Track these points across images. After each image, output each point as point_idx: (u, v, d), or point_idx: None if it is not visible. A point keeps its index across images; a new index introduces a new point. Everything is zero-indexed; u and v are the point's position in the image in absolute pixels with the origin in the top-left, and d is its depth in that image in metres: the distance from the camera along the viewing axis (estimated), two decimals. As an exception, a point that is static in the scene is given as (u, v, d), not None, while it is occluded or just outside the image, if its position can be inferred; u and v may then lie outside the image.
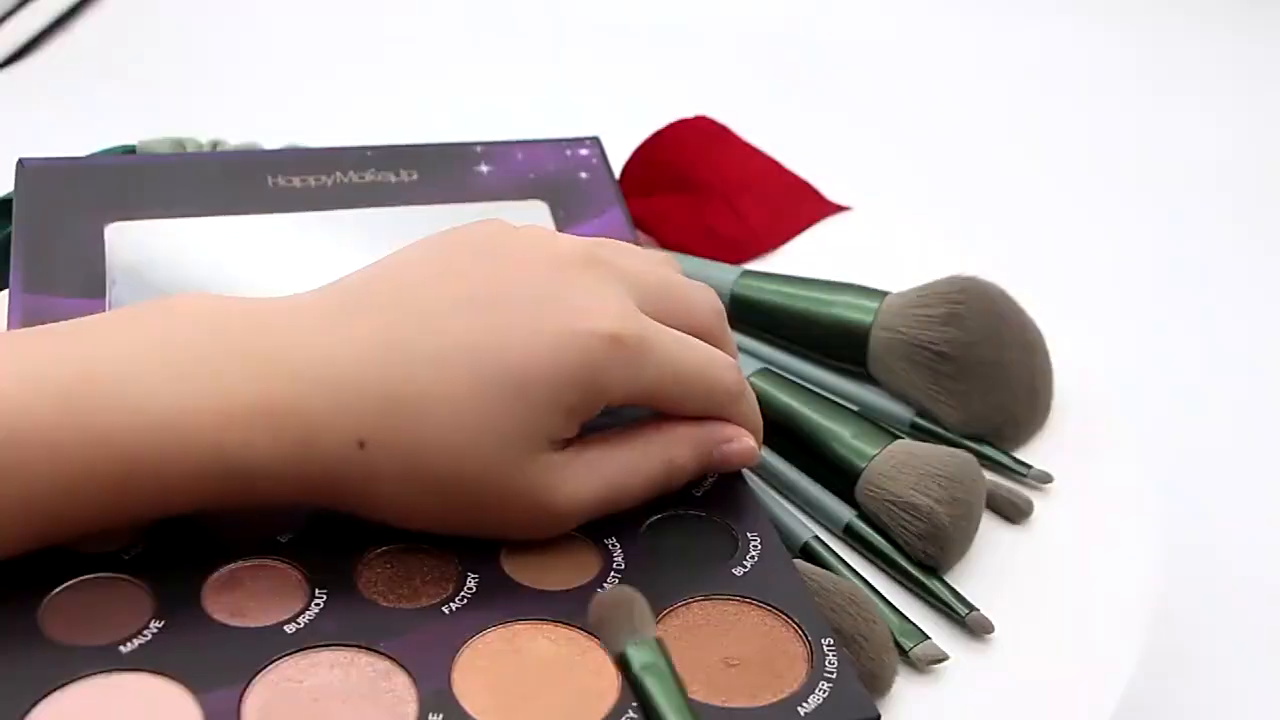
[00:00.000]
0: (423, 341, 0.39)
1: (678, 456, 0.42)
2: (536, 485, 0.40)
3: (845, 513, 0.48)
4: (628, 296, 0.41)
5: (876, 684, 0.42)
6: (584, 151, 0.56)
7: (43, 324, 0.40)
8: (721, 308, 0.45)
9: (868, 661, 0.41)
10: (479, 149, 0.55)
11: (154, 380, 0.37)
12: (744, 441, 0.43)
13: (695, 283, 0.45)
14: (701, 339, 0.43)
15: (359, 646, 0.37)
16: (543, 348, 0.39)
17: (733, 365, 0.44)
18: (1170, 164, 0.79)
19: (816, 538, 0.47)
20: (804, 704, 0.37)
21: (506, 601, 0.39)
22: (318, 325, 0.39)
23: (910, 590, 0.46)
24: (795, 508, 0.49)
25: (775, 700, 0.37)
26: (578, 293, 0.40)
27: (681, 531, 0.43)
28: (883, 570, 0.47)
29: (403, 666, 0.37)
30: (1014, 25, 0.93)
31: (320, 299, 0.40)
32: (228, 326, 0.38)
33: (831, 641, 0.39)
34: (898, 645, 0.43)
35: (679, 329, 0.42)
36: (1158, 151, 0.80)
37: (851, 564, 0.46)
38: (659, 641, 0.34)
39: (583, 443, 0.41)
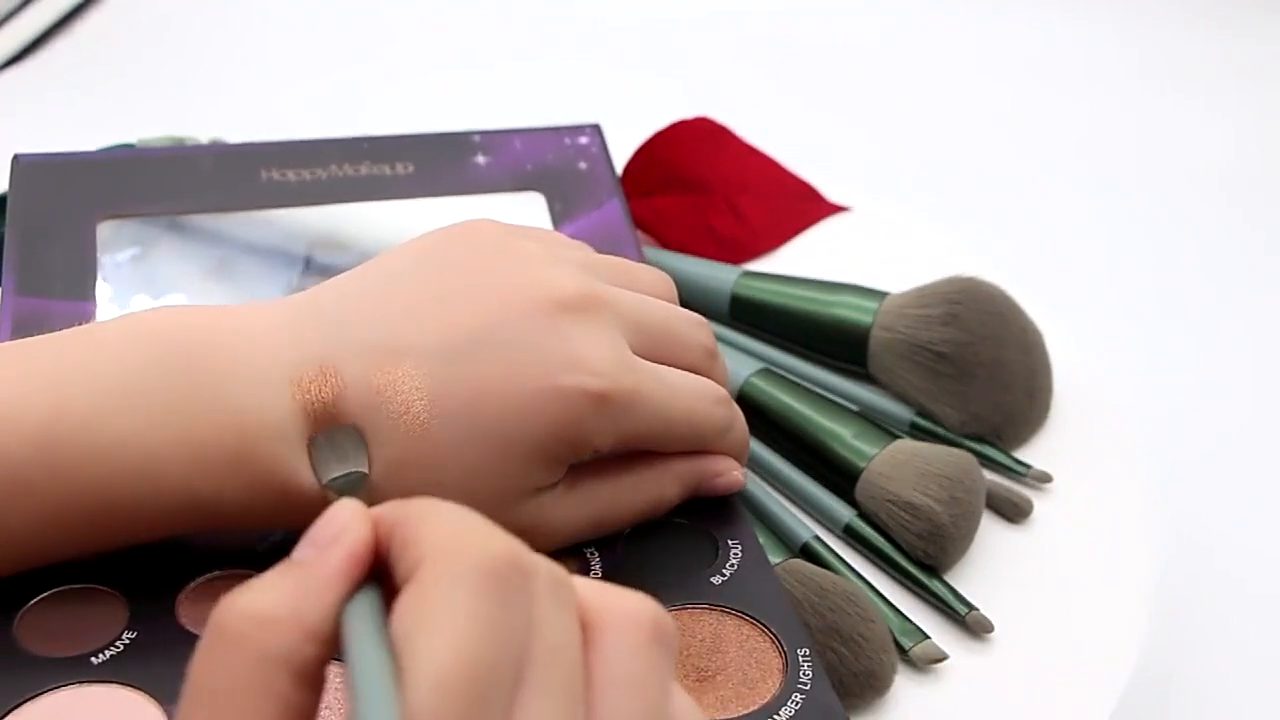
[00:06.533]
0: None
1: (666, 492, 0.42)
2: (522, 527, 0.39)
3: (845, 512, 0.48)
4: (621, 339, 0.40)
5: (876, 683, 0.42)
6: (584, 140, 0.55)
7: (35, 327, 0.40)
8: (713, 345, 0.44)
9: (867, 661, 0.41)
10: (476, 138, 0.54)
11: (124, 424, 0.36)
12: (732, 475, 0.43)
13: (689, 316, 0.44)
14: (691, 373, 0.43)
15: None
16: (527, 405, 0.38)
17: (722, 399, 0.43)
18: (1171, 164, 0.79)
19: (816, 537, 0.47)
20: (775, 716, 0.37)
21: None
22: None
23: (910, 590, 0.46)
24: (795, 508, 0.49)
25: (746, 712, 0.37)
26: (566, 341, 0.39)
27: (662, 539, 0.43)
28: (883, 570, 0.47)
29: None
30: (1013, 25, 0.93)
31: (297, 329, 0.39)
32: (192, 364, 0.37)
33: (808, 652, 0.39)
34: (897, 644, 0.43)
35: (670, 365, 0.42)
36: (1158, 151, 0.80)
37: (851, 564, 0.46)
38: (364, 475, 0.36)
39: (570, 480, 0.41)
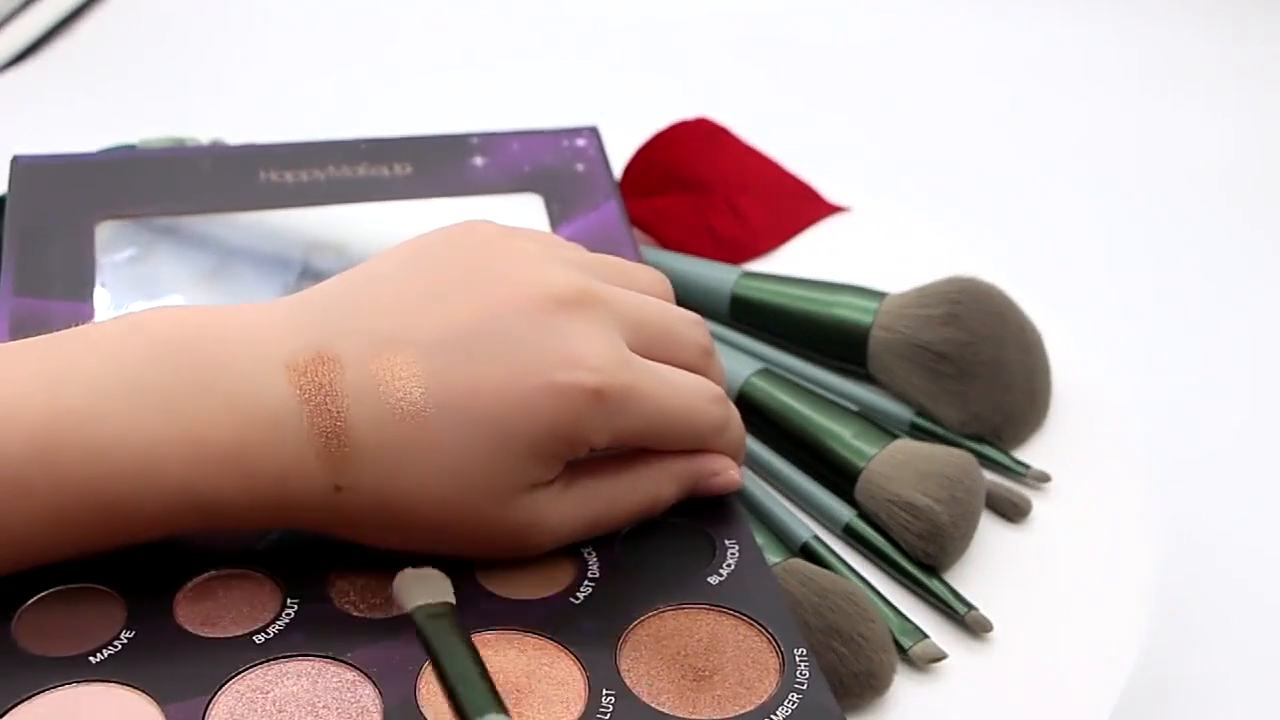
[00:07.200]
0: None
1: (663, 492, 0.42)
2: (519, 523, 0.40)
3: (845, 512, 0.48)
4: (617, 337, 0.40)
5: (875, 683, 0.42)
6: (581, 142, 0.55)
7: (33, 327, 0.40)
8: (710, 343, 0.44)
9: (867, 661, 0.41)
10: (475, 140, 0.54)
11: (122, 423, 0.36)
12: (729, 475, 0.43)
13: (685, 315, 0.44)
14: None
15: (327, 657, 0.37)
16: (524, 402, 0.38)
17: (718, 397, 0.43)
18: (1171, 164, 0.79)
19: (816, 537, 0.47)
20: (772, 716, 0.37)
21: (479, 611, 0.39)
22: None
23: (909, 589, 0.46)
24: (795, 508, 0.49)
25: (742, 712, 0.37)
26: (563, 339, 0.39)
27: (659, 539, 0.43)
28: (882, 570, 0.47)
29: (369, 677, 0.37)
30: (1013, 25, 0.93)
31: (294, 322, 0.39)
32: (190, 361, 0.38)
33: (804, 652, 0.39)
34: (897, 644, 0.43)
35: (666, 363, 0.42)
36: (1158, 151, 0.80)
37: (851, 564, 0.46)
38: (451, 606, 0.36)
39: (568, 477, 0.41)
